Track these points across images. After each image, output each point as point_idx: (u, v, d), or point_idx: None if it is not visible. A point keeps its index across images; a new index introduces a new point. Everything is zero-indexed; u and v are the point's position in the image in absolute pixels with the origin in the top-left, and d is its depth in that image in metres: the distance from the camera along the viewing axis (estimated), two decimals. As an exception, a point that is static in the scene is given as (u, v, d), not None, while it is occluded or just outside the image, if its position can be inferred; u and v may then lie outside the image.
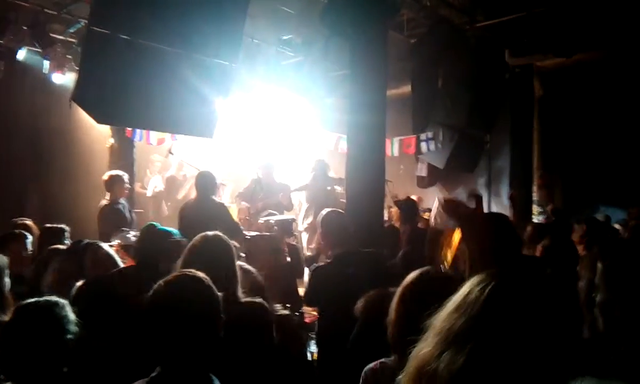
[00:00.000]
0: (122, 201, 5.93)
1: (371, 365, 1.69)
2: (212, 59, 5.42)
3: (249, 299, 2.40)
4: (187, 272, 1.77)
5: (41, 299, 1.91)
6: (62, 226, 4.28)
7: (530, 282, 0.83)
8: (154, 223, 3.24)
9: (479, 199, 1.49)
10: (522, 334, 0.75)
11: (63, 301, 1.94)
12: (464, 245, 1.53)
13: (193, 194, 7.69)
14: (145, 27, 4.69)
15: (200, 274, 1.80)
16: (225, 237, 2.59)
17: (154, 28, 4.72)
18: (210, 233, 2.59)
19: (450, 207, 1.51)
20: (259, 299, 2.42)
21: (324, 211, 3.92)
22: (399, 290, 1.68)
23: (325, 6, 5.52)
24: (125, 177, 5.98)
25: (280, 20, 7.27)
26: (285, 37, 8.04)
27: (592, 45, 6.31)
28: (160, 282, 1.72)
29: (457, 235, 1.49)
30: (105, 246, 3.32)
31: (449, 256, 1.51)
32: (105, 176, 5.92)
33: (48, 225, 4.33)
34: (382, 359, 1.68)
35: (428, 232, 1.53)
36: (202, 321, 1.67)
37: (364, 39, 5.17)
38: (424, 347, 0.84)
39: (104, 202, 5.84)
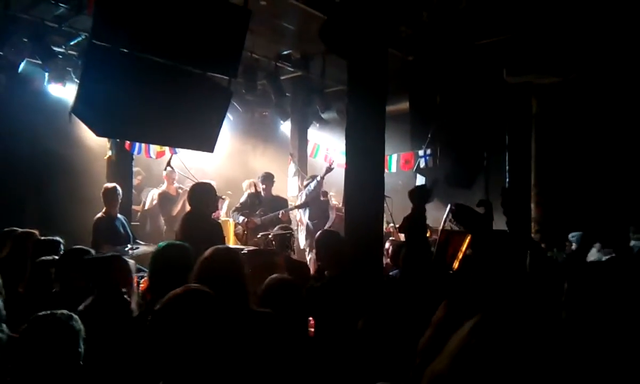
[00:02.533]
0: (120, 216, 5.92)
1: None
2: (212, 73, 5.46)
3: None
4: (193, 287, 1.77)
5: (57, 311, 1.90)
6: (57, 238, 4.24)
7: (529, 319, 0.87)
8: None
9: (488, 206, 1.51)
10: (526, 361, 0.78)
11: (76, 316, 1.94)
12: (472, 249, 1.55)
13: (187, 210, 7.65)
14: (146, 41, 4.71)
15: (205, 289, 1.81)
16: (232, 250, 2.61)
17: (154, 42, 4.75)
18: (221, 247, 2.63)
19: (460, 213, 1.52)
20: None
21: (321, 232, 3.97)
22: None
23: (325, 23, 5.57)
24: (119, 190, 5.97)
25: (279, 36, 7.33)
26: (284, 53, 8.10)
27: (589, 64, 6.36)
28: (167, 296, 1.73)
29: (467, 239, 1.51)
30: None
31: (457, 258, 1.53)
32: (102, 189, 5.94)
33: (42, 237, 4.27)
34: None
35: (439, 236, 1.56)
36: (204, 335, 1.67)
37: (363, 56, 5.21)
38: (439, 363, 0.86)
39: (99, 214, 5.84)
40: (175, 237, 4.70)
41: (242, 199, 6.98)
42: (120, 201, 6.00)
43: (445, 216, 1.69)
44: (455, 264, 1.57)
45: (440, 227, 1.67)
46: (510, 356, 0.80)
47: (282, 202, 6.93)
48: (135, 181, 8.32)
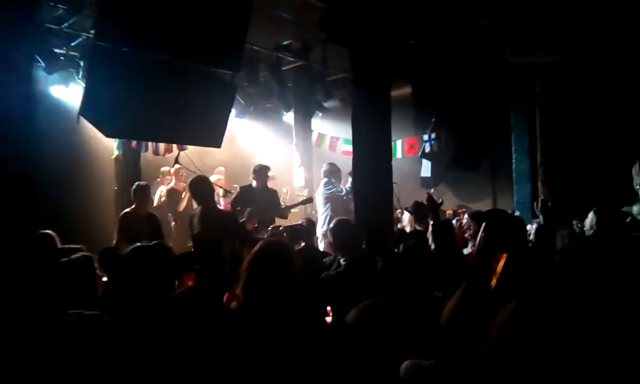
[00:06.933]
0: (152, 215, 5.84)
1: (407, 363, 1.70)
2: (215, 69, 5.46)
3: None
4: (193, 288, 1.80)
5: (86, 312, 1.92)
6: (80, 246, 4.23)
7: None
8: None
9: (522, 225, 1.48)
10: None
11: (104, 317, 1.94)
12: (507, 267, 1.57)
13: (193, 205, 7.59)
14: (149, 40, 4.73)
15: (204, 288, 1.84)
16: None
17: (157, 40, 4.76)
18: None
19: (494, 232, 1.51)
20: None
21: (335, 220, 3.97)
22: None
23: (324, 12, 5.55)
24: (148, 188, 5.89)
25: (278, 26, 7.30)
26: (284, 43, 8.07)
27: (591, 41, 6.33)
28: (168, 298, 1.76)
29: (503, 258, 1.52)
30: None
31: (494, 278, 1.53)
32: (134, 186, 5.84)
33: (65, 246, 4.24)
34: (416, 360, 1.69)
35: (476, 254, 1.55)
36: (206, 336, 1.70)
37: (365, 44, 5.19)
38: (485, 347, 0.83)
39: (127, 209, 5.80)
40: (195, 234, 4.72)
41: (235, 194, 6.71)
42: (149, 200, 5.95)
43: (480, 234, 1.69)
44: (493, 282, 1.58)
45: (475, 246, 1.69)
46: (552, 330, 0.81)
47: (274, 196, 6.66)
48: (165, 182, 8.10)
